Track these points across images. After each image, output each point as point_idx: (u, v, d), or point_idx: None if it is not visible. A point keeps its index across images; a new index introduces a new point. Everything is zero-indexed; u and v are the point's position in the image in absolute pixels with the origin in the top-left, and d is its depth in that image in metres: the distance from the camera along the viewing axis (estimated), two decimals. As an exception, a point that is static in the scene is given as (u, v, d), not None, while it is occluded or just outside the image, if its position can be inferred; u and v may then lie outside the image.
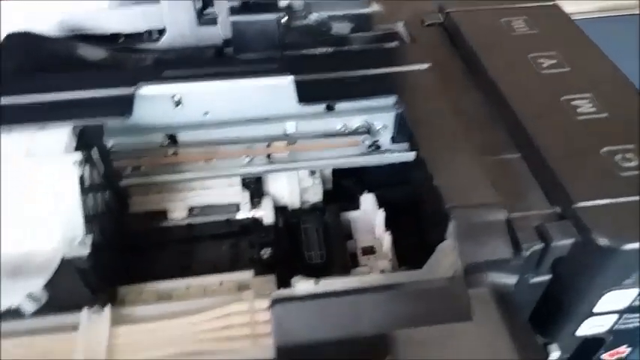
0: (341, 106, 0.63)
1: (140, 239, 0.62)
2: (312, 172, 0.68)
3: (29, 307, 0.45)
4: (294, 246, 0.63)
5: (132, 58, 0.65)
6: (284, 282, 0.50)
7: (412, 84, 0.61)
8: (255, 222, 0.65)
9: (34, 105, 0.56)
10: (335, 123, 0.64)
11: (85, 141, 0.54)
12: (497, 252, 0.48)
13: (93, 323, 0.46)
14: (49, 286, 0.46)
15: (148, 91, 0.56)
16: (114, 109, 0.54)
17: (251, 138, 0.63)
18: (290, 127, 0.63)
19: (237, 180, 0.66)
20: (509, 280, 0.49)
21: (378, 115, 0.65)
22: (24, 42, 0.64)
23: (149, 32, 0.71)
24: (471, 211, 0.49)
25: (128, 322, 0.47)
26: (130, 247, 0.61)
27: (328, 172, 0.71)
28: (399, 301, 0.44)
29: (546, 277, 0.52)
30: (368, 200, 0.66)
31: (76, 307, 0.47)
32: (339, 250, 0.62)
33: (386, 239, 0.60)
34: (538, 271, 0.51)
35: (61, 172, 0.49)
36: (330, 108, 0.63)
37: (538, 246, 0.49)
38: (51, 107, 0.55)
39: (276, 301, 0.43)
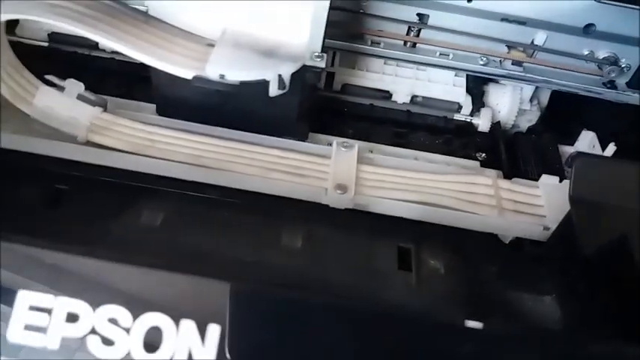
0: (600, 28, 0.59)
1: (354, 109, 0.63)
2: (531, 100, 0.67)
3: (274, 90, 0.46)
4: (508, 158, 0.61)
5: None
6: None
7: None
8: (471, 126, 0.64)
9: None
10: (584, 46, 0.61)
11: None
12: None
13: (343, 156, 0.48)
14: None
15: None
16: None
17: (496, 38, 0.61)
18: (540, 37, 0.61)
19: (463, 81, 0.65)
20: None
21: (631, 50, 0.61)
22: None
23: None
24: None
25: (372, 164, 0.49)
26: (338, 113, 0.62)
27: (545, 101, 0.68)
28: None
29: None
30: (588, 138, 0.63)
31: (280, 126, 0.49)
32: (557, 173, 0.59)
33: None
34: None
35: None
36: (586, 31, 0.60)
37: None
38: None
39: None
